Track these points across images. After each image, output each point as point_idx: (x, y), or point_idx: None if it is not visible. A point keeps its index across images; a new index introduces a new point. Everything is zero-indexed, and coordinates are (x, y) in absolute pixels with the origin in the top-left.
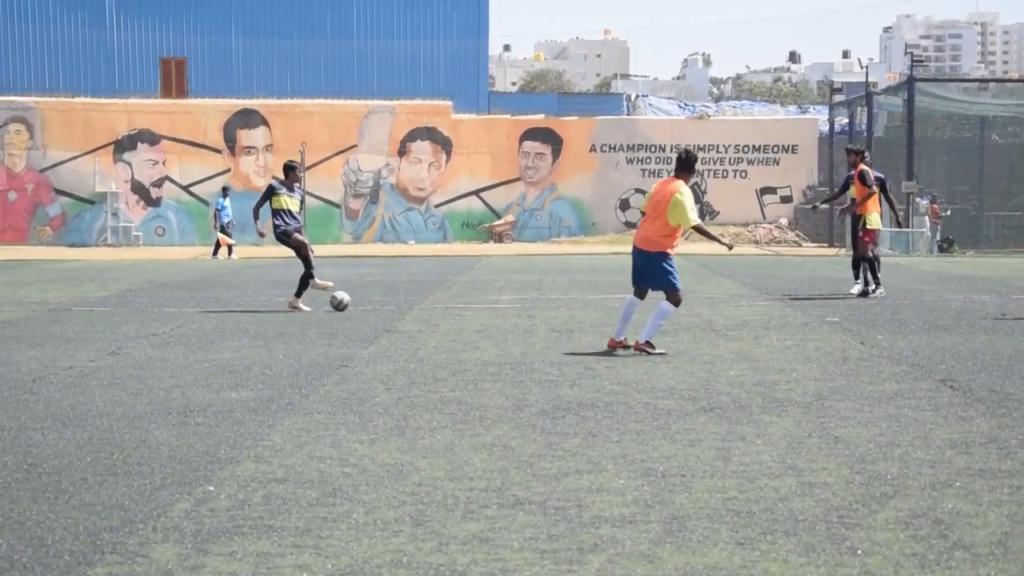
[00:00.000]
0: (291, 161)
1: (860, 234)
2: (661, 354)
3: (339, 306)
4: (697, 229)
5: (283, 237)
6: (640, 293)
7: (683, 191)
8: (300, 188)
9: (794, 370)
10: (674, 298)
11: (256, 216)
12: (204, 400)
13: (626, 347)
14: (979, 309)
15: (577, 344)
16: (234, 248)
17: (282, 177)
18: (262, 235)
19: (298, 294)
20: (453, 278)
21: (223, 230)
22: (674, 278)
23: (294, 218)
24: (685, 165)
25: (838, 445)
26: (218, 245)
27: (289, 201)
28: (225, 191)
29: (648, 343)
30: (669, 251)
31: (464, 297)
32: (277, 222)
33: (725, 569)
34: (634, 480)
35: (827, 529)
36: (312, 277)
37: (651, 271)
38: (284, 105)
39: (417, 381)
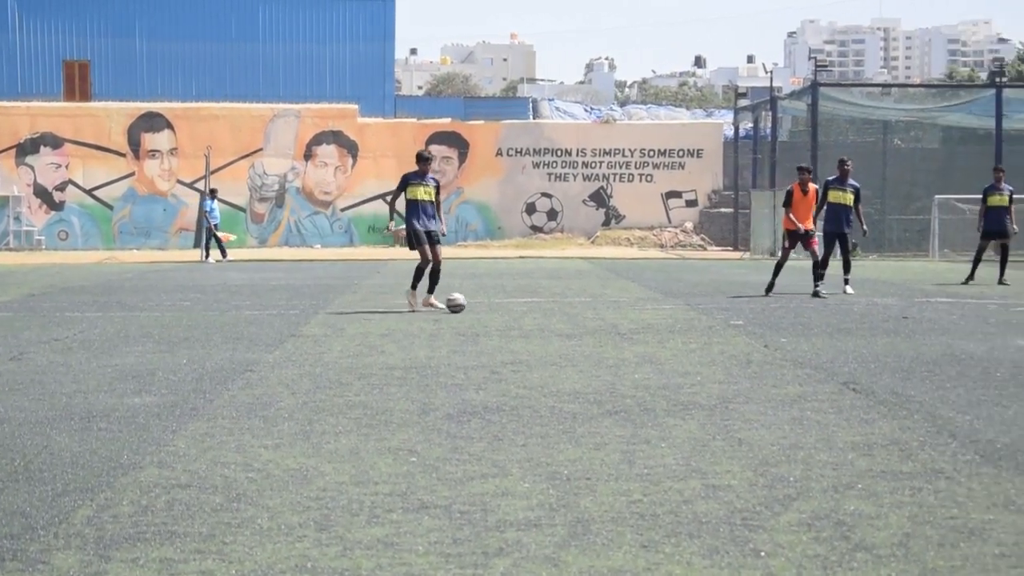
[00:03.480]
0: (423, 151)
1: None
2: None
3: (456, 308)
4: None
5: (414, 238)
6: None
7: None
8: (435, 178)
9: (698, 373)
10: None
11: (391, 211)
12: (107, 405)
13: None
14: (881, 312)
15: (483, 348)
16: (210, 252)
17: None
18: (390, 232)
19: (430, 290)
20: (359, 282)
21: (213, 232)
22: None
23: (431, 216)
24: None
25: (742, 448)
26: (219, 242)
27: (425, 191)
28: (213, 192)
29: None
30: None
31: (370, 301)
32: (413, 220)
33: (629, 572)
34: (539, 484)
35: (730, 531)
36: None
37: None
38: (189, 108)
39: (322, 385)
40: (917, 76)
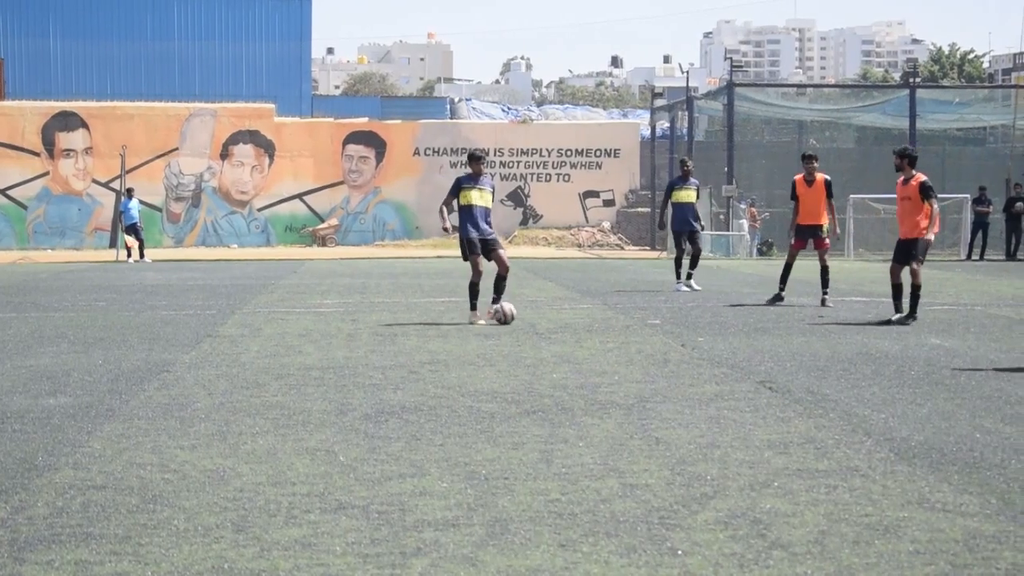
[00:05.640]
0: (476, 150)
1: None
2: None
3: (505, 319)
4: None
5: (467, 249)
6: None
7: None
8: (490, 179)
9: (616, 372)
10: None
11: (442, 214)
12: (21, 407)
13: None
14: (797, 312)
15: (401, 348)
16: (133, 250)
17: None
18: (447, 230)
19: (495, 300)
20: (276, 282)
21: (129, 232)
22: None
23: (486, 221)
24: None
25: (659, 447)
26: (130, 248)
27: (480, 196)
28: (130, 192)
29: None
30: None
31: (287, 301)
32: (466, 227)
33: (547, 571)
34: (457, 483)
35: (648, 530)
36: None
37: None
38: (104, 108)
39: (239, 386)
40: (832, 76)
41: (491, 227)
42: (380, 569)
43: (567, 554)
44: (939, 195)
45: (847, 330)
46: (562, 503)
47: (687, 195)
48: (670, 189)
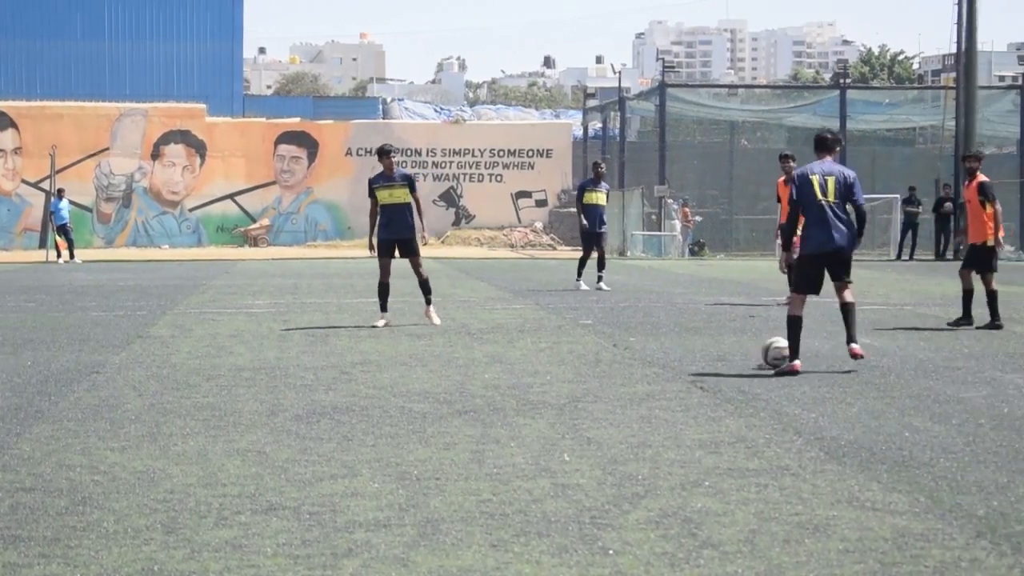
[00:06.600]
0: (385, 145)
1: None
2: None
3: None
4: None
5: (377, 249)
6: None
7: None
8: (403, 172)
9: (548, 372)
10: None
11: (371, 232)
12: None
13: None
14: (729, 311)
15: (333, 348)
16: (63, 251)
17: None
18: (373, 247)
19: (428, 303)
20: (208, 283)
21: (60, 232)
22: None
23: (403, 220)
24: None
25: (591, 446)
26: (60, 249)
27: (390, 194)
28: (60, 192)
29: None
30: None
31: (219, 302)
32: (380, 227)
33: (478, 571)
34: (388, 484)
35: (579, 530)
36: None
37: None
38: (33, 107)
39: (170, 387)
40: (763, 77)
41: (409, 226)
42: (311, 570)
43: (498, 554)
44: (869, 195)
45: (777, 330)
46: (494, 503)
47: (598, 197)
48: (582, 191)
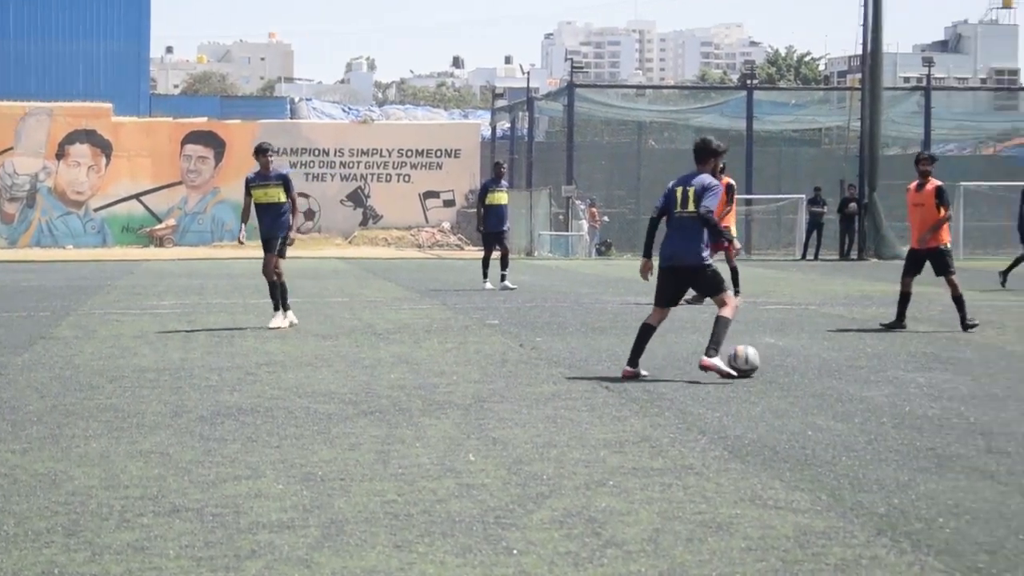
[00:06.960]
0: (262, 143)
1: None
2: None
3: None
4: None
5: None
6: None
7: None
8: (280, 170)
9: (454, 373)
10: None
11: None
12: None
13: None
14: (635, 311)
15: (238, 349)
16: None
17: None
18: (241, 243)
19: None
20: (112, 283)
21: None
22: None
23: (274, 218)
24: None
25: (496, 446)
26: None
27: (264, 194)
28: None
29: None
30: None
31: (123, 303)
32: (261, 227)
33: (382, 572)
34: (293, 485)
35: (484, 530)
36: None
37: None
38: None
39: (72, 388)
40: (671, 78)
41: (280, 225)
42: (214, 572)
43: (403, 555)
44: (776, 196)
45: (683, 329)
46: (398, 504)
47: (500, 197)
48: (484, 191)
